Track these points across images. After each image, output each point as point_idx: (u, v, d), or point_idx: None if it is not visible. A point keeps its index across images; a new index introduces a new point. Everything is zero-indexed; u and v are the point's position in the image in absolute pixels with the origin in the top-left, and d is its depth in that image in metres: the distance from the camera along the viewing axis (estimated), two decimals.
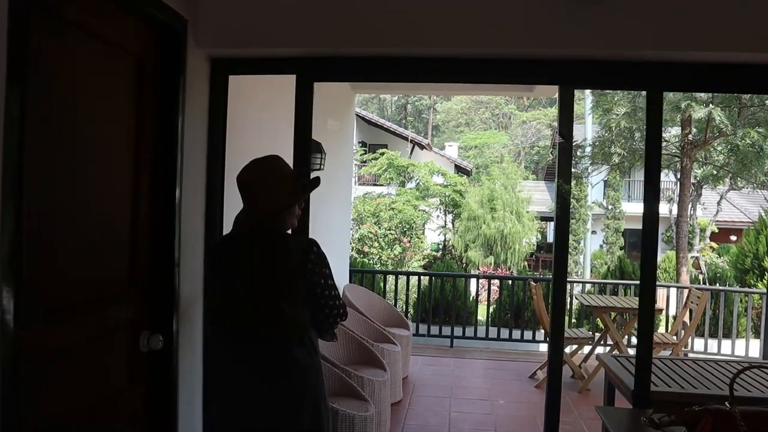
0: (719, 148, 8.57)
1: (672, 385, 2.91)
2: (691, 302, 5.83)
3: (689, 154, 8.50)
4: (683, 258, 9.01)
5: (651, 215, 2.77)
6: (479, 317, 9.25)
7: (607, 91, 8.82)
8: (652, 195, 2.78)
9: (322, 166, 4.83)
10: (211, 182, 2.97)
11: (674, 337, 5.88)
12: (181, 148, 2.65)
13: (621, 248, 23.56)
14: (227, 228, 3.16)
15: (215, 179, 2.99)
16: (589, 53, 2.75)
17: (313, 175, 4.56)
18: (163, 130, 2.59)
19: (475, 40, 2.76)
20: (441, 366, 6.51)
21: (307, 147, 3.08)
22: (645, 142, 2.86)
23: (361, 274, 8.49)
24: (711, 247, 23.25)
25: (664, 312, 7.76)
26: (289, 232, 2.51)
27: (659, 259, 21.51)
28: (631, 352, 5.93)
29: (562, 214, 2.89)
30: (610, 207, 21.90)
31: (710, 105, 7.58)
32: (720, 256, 23.05)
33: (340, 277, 6.51)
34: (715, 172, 9.24)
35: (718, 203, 22.02)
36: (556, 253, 2.89)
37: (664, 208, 23.59)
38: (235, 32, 2.85)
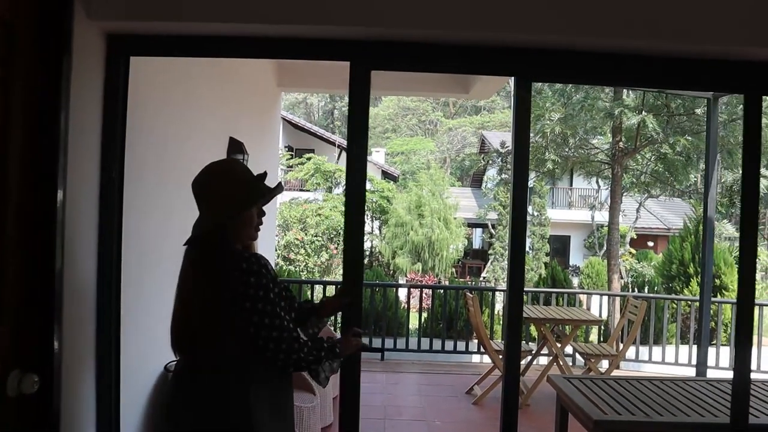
0: (648, 156, 8.64)
1: (636, 412, 2.64)
2: (630, 312, 5.71)
3: (620, 161, 8.53)
4: (614, 265, 9.04)
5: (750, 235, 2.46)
6: (411, 326, 8.95)
7: (539, 95, 8.76)
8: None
9: None
10: (105, 183, 2.46)
11: (612, 348, 5.75)
12: (65, 142, 2.14)
13: (547, 254, 23.95)
14: (130, 237, 2.66)
15: (111, 179, 2.48)
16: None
17: None
18: (42, 120, 2.08)
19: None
20: (373, 383, 6.12)
21: (363, 149, 2.57)
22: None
23: (287, 284, 8.00)
24: (630, 252, 24.07)
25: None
26: (254, 244, 2.27)
27: (581, 265, 22.01)
28: (570, 363, 5.76)
29: (519, 220, 2.56)
30: (536, 213, 22.21)
31: (642, 112, 7.59)
32: (639, 262, 23.89)
33: None
34: (642, 180, 9.32)
35: (637, 210, 22.85)
36: (511, 261, 2.56)
37: (585, 215, 24.35)
38: (139, 2, 2.37)
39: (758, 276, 21.00)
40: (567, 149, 8.27)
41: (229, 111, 4.42)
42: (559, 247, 25.85)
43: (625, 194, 22.96)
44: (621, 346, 5.96)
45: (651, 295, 8.51)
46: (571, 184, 27.13)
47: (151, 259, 3.02)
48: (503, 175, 10.62)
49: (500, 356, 5.48)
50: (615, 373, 5.50)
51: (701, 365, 6.47)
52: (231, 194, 2.10)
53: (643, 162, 9.01)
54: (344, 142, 24.24)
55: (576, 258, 26.74)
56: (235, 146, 4.27)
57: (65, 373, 2.19)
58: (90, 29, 2.35)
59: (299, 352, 1.98)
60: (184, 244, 2.16)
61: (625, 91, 8.35)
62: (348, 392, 2.47)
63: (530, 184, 17.96)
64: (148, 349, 3.00)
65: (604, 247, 24.11)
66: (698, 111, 7.78)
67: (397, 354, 7.68)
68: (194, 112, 3.70)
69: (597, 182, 21.00)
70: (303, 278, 17.52)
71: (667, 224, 26.74)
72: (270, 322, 1.94)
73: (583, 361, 6.40)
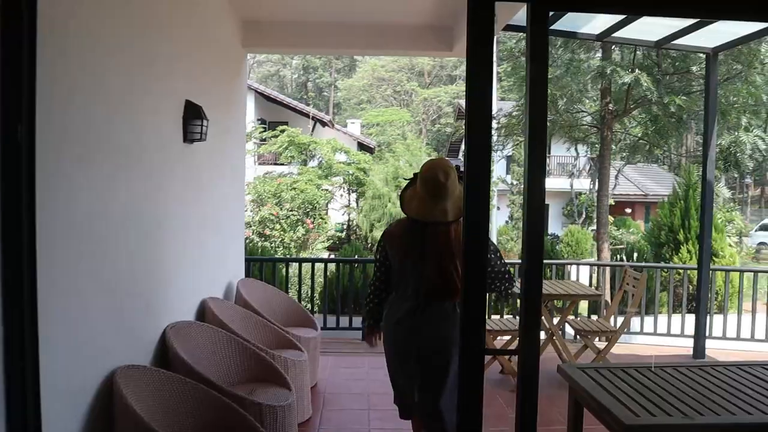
0: (639, 119, 8.22)
1: (671, 411, 2.23)
2: (627, 284, 5.32)
3: (610, 125, 8.10)
4: (604, 234, 8.68)
5: None
6: None
7: (523, 56, 8.27)
8: None
9: (203, 136, 3.82)
10: (7, 148, 1.92)
11: (610, 324, 5.38)
12: None
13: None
14: (56, 218, 2.15)
15: (15, 143, 1.94)
16: None
17: (195, 145, 3.78)
18: None
19: None
20: (355, 367, 5.68)
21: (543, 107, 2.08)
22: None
23: (260, 262, 7.52)
24: (608, 220, 23.94)
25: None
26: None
27: (561, 233, 21.81)
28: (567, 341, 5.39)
29: (536, 185, 2.10)
30: (515, 182, 21.86)
31: (636, 71, 7.15)
32: (618, 229, 23.78)
33: (234, 269, 5.50)
34: (631, 144, 8.92)
35: (616, 177, 22.59)
36: (528, 232, 2.10)
37: (563, 183, 24.08)
38: None
39: (734, 240, 21.00)
40: (555, 112, 7.82)
41: (186, 71, 3.86)
42: None
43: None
44: (618, 320, 5.61)
45: (648, 264, 8.18)
46: (549, 152, 26.82)
47: (88, 245, 2.51)
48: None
49: (491, 336, 5.07)
50: (615, 350, 5.13)
51: (700, 336, 6.17)
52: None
53: (631, 125, 8.60)
54: (318, 114, 23.52)
55: (554, 226, 26.56)
56: (192, 111, 3.73)
57: None
58: None
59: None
60: (449, 222, 2.93)
61: (616, 49, 7.92)
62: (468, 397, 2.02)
63: (509, 152, 17.58)
64: (87, 351, 2.50)
65: (584, 215, 24.05)
66: (694, 68, 7.38)
67: None
68: (148, 68, 3.16)
69: (576, 149, 20.76)
70: (278, 255, 17.04)
71: (644, 191, 26.65)
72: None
73: (577, 336, 6.04)
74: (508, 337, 5.21)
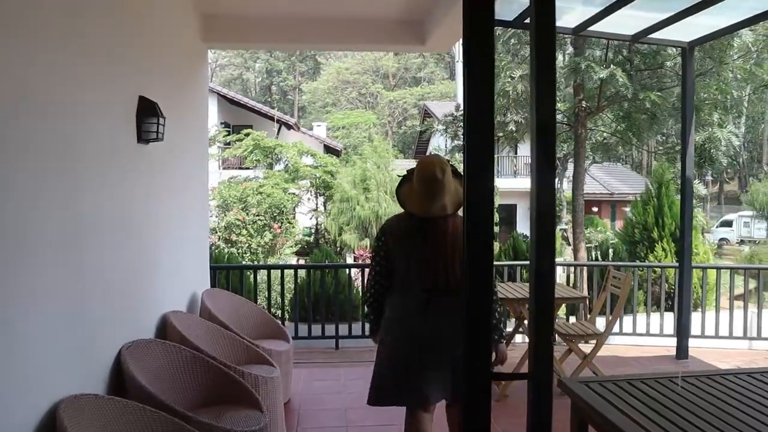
0: (611, 116, 8.10)
1: None
2: (613, 285, 5.14)
3: (583, 122, 7.95)
4: (580, 233, 8.51)
5: None
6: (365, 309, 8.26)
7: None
8: None
9: (159, 135, 3.48)
10: None
11: (594, 327, 5.18)
12: None
13: (496, 224, 23.67)
14: None
15: None
16: None
17: (152, 146, 3.56)
18: None
19: None
20: (330, 380, 5.38)
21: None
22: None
23: (226, 270, 7.15)
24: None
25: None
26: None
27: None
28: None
29: (546, 175, 1.84)
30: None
31: (611, 66, 7.01)
32: (587, 228, 23.92)
33: (198, 279, 5.15)
34: (604, 142, 8.79)
35: (573, 176, 22.77)
36: (538, 227, 1.84)
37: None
38: None
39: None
40: (529, 110, 7.63)
41: (139, 64, 3.53)
42: (506, 216, 25.65)
43: (569, 160, 22.97)
44: (600, 322, 5.42)
45: (630, 263, 8.04)
46: (516, 152, 26.86)
47: (16, 255, 2.17)
48: (455, 142, 10.05)
49: None
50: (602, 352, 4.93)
51: (683, 336, 6.04)
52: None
53: (602, 123, 8.48)
54: (284, 117, 23.13)
55: (523, 226, 26.61)
56: (147, 107, 3.39)
57: None
58: None
59: None
60: (448, 215, 3.02)
61: (587, 45, 7.77)
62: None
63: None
64: (23, 381, 2.16)
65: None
66: (668, 64, 7.28)
67: (352, 341, 6.98)
68: (89, 58, 2.83)
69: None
70: (246, 261, 16.60)
71: (610, 189, 26.89)
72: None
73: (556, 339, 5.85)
74: None
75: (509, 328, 5.61)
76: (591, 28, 5.54)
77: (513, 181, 25.99)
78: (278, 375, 3.94)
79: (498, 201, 23.28)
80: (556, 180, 22.91)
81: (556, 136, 1.93)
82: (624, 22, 5.46)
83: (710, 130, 8.04)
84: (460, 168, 2.33)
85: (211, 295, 4.84)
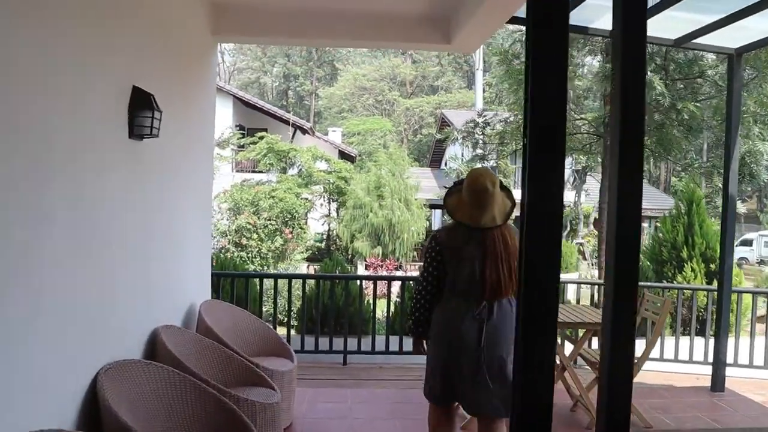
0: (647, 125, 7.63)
1: None
2: (646, 310, 4.70)
3: None
4: (603, 250, 8.02)
5: None
6: (377, 320, 7.85)
7: (517, 59, 7.69)
8: None
9: (154, 131, 3.12)
10: None
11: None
12: None
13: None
14: None
15: None
16: None
17: (145, 142, 3.24)
18: None
19: None
20: (336, 401, 4.98)
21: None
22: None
23: (231, 278, 6.79)
24: (593, 234, 23.54)
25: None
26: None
27: None
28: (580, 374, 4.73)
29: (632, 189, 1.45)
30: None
31: (648, 73, 6.58)
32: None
33: (197, 289, 4.77)
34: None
35: (600, 190, 22.26)
36: (617, 246, 1.45)
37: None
38: None
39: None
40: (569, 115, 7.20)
41: (135, 51, 3.17)
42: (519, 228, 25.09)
43: (589, 174, 22.45)
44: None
45: (662, 284, 7.58)
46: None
47: None
48: (476, 151, 9.63)
49: None
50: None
51: (720, 364, 5.58)
52: None
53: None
54: (299, 121, 22.91)
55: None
56: (141, 100, 3.03)
57: None
58: None
59: None
60: (497, 226, 3.14)
61: None
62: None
63: (493, 162, 17.05)
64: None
65: (568, 228, 23.61)
66: (710, 72, 6.84)
67: (361, 357, 6.59)
68: (73, 40, 2.47)
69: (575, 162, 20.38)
70: (255, 265, 16.26)
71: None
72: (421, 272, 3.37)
73: (575, 363, 5.41)
74: None
75: None
76: None
77: None
78: (278, 399, 3.55)
79: (515, 213, 22.80)
80: (574, 193, 22.51)
81: (643, 149, 1.54)
82: (667, 26, 5.05)
83: (750, 143, 7.58)
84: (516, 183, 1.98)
85: (210, 307, 4.45)
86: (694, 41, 5.27)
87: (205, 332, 4.02)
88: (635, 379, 5.60)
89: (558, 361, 4.72)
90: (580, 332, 5.10)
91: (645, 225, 26.14)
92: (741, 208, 38.69)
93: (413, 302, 3.34)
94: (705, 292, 7.44)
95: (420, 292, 3.30)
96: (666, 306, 4.45)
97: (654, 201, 26.42)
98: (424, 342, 3.37)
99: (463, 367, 3.13)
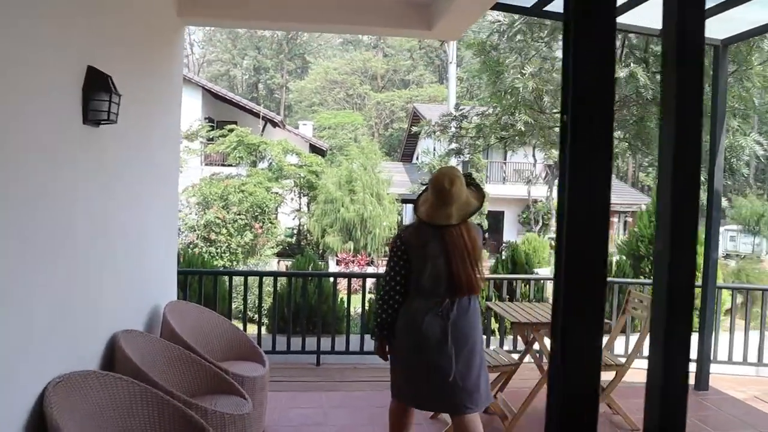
0: (618, 121, 7.50)
1: None
2: (634, 308, 4.54)
3: None
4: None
5: None
6: (351, 317, 7.60)
7: (495, 50, 7.50)
8: None
9: (112, 116, 2.81)
10: None
11: (610, 353, 4.59)
12: None
13: (485, 231, 23.13)
14: None
15: None
16: None
17: (103, 129, 2.98)
18: None
19: None
20: (310, 406, 4.72)
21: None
22: None
23: (199, 275, 6.47)
24: None
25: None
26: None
27: (519, 241, 21.42)
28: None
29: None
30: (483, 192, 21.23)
31: (631, 64, 6.42)
32: None
33: (162, 289, 4.45)
34: (614, 150, 8.19)
35: None
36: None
37: (520, 190, 23.71)
38: None
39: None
40: (539, 110, 7.00)
41: (91, 28, 2.86)
42: (493, 223, 25.15)
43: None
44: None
45: (643, 281, 7.45)
46: (506, 158, 26.39)
47: None
48: (453, 145, 9.41)
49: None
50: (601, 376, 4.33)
51: (704, 361, 5.46)
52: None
53: (616, 127, 7.89)
54: (269, 113, 22.48)
55: (510, 234, 26.13)
56: (97, 81, 2.72)
57: None
58: None
59: None
60: (457, 224, 3.14)
61: None
62: None
63: (467, 157, 16.91)
64: None
65: (540, 223, 23.64)
66: None
67: (335, 357, 6.35)
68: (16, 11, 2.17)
69: (534, 156, 20.37)
70: (224, 261, 15.87)
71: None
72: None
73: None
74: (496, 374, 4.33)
75: (514, 354, 5.00)
76: (619, 20, 4.95)
77: (502, 187, 25.49)
78: (249, 410, 3.29)
79: (487, 207, 22.78)
80: (546, 188, 22.53)
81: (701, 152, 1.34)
82: (654, 16, 4.89)
83: (730, 137, 7.51)
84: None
85: (176, 308, 4.14)
86: None
87: (170, 336, 3.73)
88: (610, 377, 5.52)
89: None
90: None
91: (614, 220, 26.40)
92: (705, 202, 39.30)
93: (380, 303, 3.32)
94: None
95: (388, 293, 3.26)
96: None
97: (624, 196, 26.66)
98: (387, 347, 3.33)
99: (431, 367, 3.13)
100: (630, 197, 27.18)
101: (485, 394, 3.25)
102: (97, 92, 2.70)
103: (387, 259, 3.31)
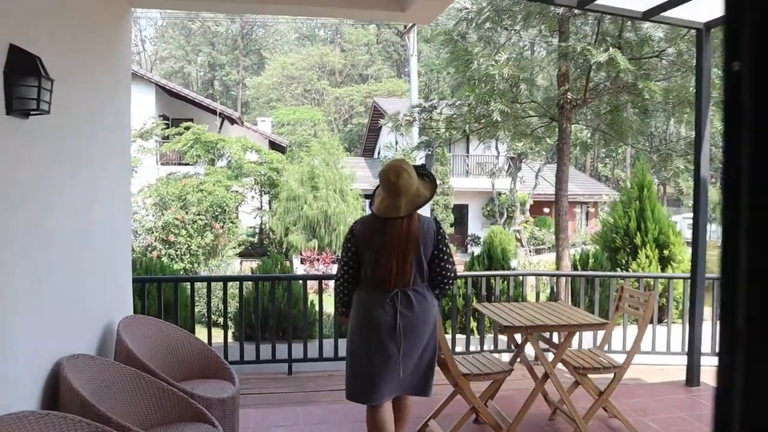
0: (599, 108, 7.28)
1: None
2: (630, 306, 4.28)
3: (568, 115, 7.08)
4: (564, 239, 7.66)
5: None
6: (324, 320, 7.21)
7: (463, 39, 7.20)
8: None
9: (43, 104, 2.36)
10: None
11: (603, 354, 4.32)
12: None
13: (451, 225, 22.92)
14: None
15: None
16: None
17: (33, 120, 2.59)
18: None
19: None
20: (287, 424, 4.31)
21: None
22: None
23: (158, 282, 6.01)
24: (527, 220, 23.63)
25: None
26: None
27: (483, 234, 21.27)
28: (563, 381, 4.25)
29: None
30: (438, 182, 21.02)
31: (610, 49, 6.16)
32: (540, 229, 23.49)
33: (115, 303, 3.99)
34: (587, 140, 7.97)
35: (536, 177, 22.26)
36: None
37: (483, 183, 23.61)
38: None
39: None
40: (516, 100, 6.72)
41: (14, 4, 2.40)
42: (458, 216, 25.02)
43: (523, 161, 22.42)
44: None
45: (639, 274, 7.24)
46: (468, 151, 26.24)
47: None
48: (422, 138, 9.09)
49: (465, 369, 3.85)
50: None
51: (695, 360, 5.27)
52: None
53: (589, 117, 7.67)
54: (227, 110, 21.84)
55: (474, 227, 26.05)
56: (23, 63, 2.28)
57: None
58: None
59: None
60: (402, 217, 3.21)
61: (573, 31, 6.94)
62: None
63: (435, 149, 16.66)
64: None
65: (504, 215, 23.58)
66: (671, 51, 6.48)
67: (307, 365, 5.98)
68: None
69: (496, 148, 20.23)
70: (185, 264, 15.25)
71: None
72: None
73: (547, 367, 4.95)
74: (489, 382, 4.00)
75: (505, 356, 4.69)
76: (599, 2, 4.68)
77: (465, 180, 25.33)
78: None
79: (453, 201, 22.58)
80: (509, 180, 22.46)
81: None
82: None
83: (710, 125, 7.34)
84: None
85: (131, 324, 3.67)
86: (663, 15, 4.88)
87: (126, 358, 3.27)
88: (609, 375, 5.27)
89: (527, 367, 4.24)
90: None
91: (577, 210, 26.52)
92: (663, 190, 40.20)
93: (335, 289, 3.50)
94: (663, 280, 7.18)
95: (342, 284, 3.44)
96: (651, 302, 4.02)
97: (585, 187, 26.83)
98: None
99: (382, 353, 3.21)
100: (591, 188, 27.38)
101: (429, 388, 3.42)
102: (22, 76, 2.25)
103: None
